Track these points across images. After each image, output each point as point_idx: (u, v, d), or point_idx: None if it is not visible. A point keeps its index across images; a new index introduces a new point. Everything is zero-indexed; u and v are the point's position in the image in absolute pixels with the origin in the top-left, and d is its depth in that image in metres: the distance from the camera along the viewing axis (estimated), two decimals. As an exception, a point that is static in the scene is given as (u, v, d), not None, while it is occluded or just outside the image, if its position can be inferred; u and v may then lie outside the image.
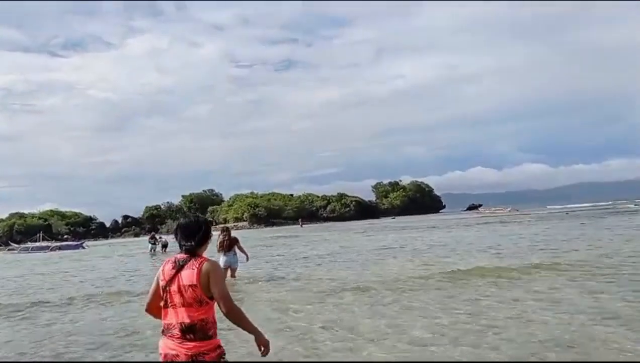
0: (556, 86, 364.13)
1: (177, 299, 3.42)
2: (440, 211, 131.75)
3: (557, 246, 19.10)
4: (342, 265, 17.67)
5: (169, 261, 3.55)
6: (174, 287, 3.43)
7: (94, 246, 63.40)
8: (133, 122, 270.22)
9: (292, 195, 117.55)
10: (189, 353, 3.33)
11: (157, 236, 37.44)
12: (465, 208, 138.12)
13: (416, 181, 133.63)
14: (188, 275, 3.41)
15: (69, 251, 51.37)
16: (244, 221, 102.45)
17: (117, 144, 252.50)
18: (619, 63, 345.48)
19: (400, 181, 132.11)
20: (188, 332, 3.36)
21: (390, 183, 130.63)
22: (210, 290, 3.40)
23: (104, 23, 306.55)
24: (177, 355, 3.35)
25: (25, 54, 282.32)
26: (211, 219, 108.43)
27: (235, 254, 14.05)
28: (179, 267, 3.46)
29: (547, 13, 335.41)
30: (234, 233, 15.06)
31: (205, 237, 3.60)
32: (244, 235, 55.88)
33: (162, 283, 3.50)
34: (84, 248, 57.03)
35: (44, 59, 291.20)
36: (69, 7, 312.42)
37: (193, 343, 3.34)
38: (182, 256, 3.52)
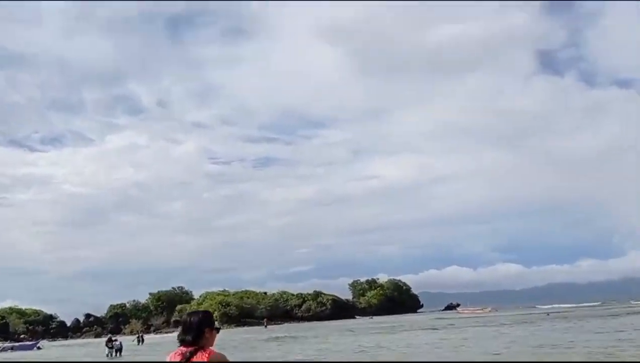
0: (527, 190, 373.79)
1: None
2: (418, 310, 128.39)
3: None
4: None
5: (176, 353, 3.60)
6: None
7: (51, 347, 59.10)
8: (105, 217, 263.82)
9: (265, 293, 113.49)
10: None
11: (113, 339, 34.94)
12: (443, 308, 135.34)
13: (393, 279, 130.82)
14: None
15: (22, 352, 47.45)
16: (215, 320, 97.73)
17: (86, 240, 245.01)
18: (586, 170, 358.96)
19: (378, 279, 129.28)
20: None
21: (367, 280, 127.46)
22: None
23: (84, 119, 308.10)
24: None
25: (3, 148, 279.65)
26: (179, 318, 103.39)
27: None
28: (187, 358, 3.52)
29: (517, 122, 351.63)
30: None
31: (200, 330, 3.65)
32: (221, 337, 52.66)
33: None
34: (39, 348, 53.16)
35: (21, 154, 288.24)
36: (51, 103, 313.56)
37: None
38: (190, 348, 3.57)
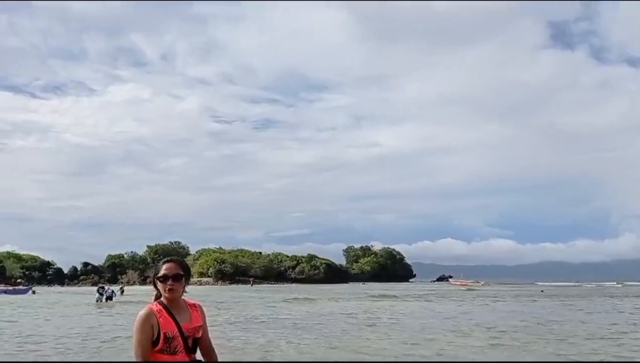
0: (526, 165, 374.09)
1: None
2: (410, 280, 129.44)
3: None
4: None
5: None
6: None
7: (46, 292, 59.46)
8: (105, 169, 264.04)
9: (260, 253, 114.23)
10: None
11: (106, 287, 36.55)
12: (435, 279, 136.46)
13: (388, 248, 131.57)
14: None
15: (14, 296, 47.55)
16: (209, 276, 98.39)
17: (85, 190, 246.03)
18: (584, 147, 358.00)
19: (372, 246, 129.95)
20: None
21: (361, 247, 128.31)
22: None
23: (87, 68, 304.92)
24: None
25: (4, 92, 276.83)
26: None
27: None
28: None
29: (520, 97, 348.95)
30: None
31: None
32: (205, 292, 52.75)
33: None
34: (34, 293, 53.47)
35: (22, 100, 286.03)
36: (53, 50, 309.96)
37: None
38: None
